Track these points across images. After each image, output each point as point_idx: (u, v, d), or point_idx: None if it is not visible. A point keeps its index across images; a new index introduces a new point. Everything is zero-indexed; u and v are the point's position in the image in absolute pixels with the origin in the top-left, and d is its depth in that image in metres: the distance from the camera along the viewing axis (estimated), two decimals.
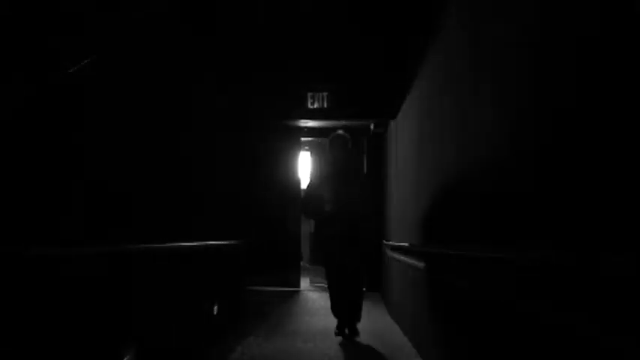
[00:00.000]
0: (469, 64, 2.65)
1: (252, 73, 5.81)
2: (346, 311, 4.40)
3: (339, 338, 4.35)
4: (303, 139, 8.02)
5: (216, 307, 4.15)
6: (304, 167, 8.30)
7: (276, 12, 5.50)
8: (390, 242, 5.91)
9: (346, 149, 4.46)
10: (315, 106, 6.27)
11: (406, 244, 4.47)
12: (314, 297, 7.04)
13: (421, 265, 3.73)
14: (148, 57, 2.70)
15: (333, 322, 4.58)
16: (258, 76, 5.92)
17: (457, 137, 2.86)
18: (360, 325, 4.81)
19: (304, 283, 7.97)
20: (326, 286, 4.68)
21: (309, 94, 6.31)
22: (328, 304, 4.61)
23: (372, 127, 7.50)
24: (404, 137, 5.22)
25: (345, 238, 4.31)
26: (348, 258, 4.34)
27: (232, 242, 4.73)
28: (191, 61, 3.68)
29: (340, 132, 4.57)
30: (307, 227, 8.26)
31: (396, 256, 5.31)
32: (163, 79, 2.96)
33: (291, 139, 7.74)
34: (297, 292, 7.46)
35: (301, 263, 8.02)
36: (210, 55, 4.24)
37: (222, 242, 4.34)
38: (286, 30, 5.71)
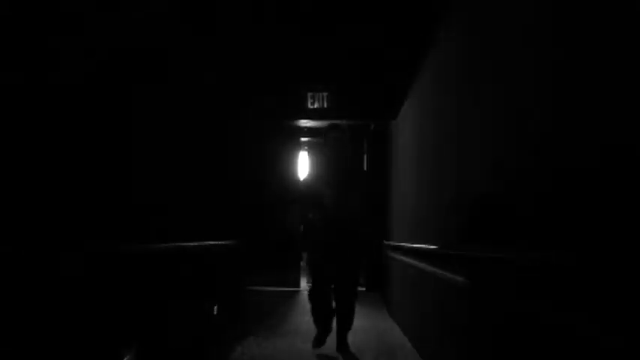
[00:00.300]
0: (469, 65, 2.65)
1: (252, 73, 5.81)
2: (330, 319, 3.96)
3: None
4: (303, 139, 8.02)
5: (216, 307, 4.14)
6: (304, 167, 8.31)
7: (277, 11, 5.50)
8: (391, 242, 5.91)
9: (344, 144, 3.93)
10: (315, 106, 6.27)
11: (407, 244, 4.47)
12: None
13: (421, 264, 3.73)
14: (147, 55, 2.70)
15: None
16: (258, 76, 5.92)
17: (458, 139, 2.86)
18: (359, 325, 4.80)
19: (303, 283, 7.97)
20: None
21: (309, 94, 6.31)
22: None
23: (372, 126, 7.49)
24: (406, 137, 5.22)
25: (343, 243, 3.83)
26: (343, 265, 3.85)
27: (232, 242, 4.72)
28: (190, 60, 3.68)
29: (337, 123, 4.09)
30: None
31: (397, 256, 5.32)
32: (163, 79, 2.96)
33: (291, 139, 7.75)
34: (297, 292, 7.46)
35: (301, 263, 8.03)
36: (210, 54, 4.24)
37: (222, 242, 4.33)
38: (286, 30, 5.71)
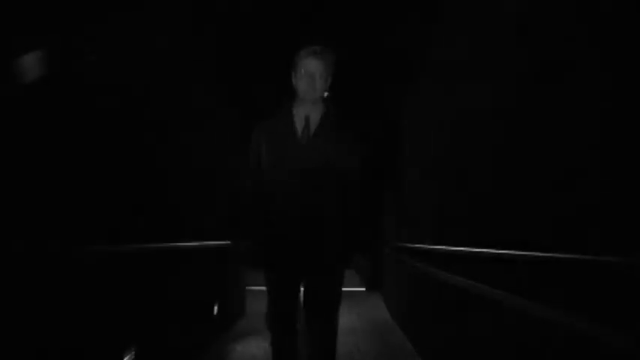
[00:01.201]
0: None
1: (251, 67, 5.76)
2: None
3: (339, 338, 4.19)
4: None
5: (216, 307, 4.13)
6: None
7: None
8: (391, 242, 5.90)
9: (324, 81, 2.28)
10: None
11: (408, 244, 4.46)
12: None
13: (421, 264, 3.72)
14: (147, 58, 2.69)
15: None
16: (258, 72, 5.89)
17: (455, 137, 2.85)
18: (360, 326, 4.78)
19: None
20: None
21: None
22: None
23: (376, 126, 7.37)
24: (416, 128, 5.20)
25: (314, 242, 2.23)
26: (315, 276, 2.29)
27: (232, 242, 4.71)
28: (190, 60, 3.67)
29: (320, 48, 2.27)
30: None
31: (396, 255, 5.30)
32: (163, 81, 2.95)
33: None
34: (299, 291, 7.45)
35: None
36: (207, 54, 4.24)
37: (223, 242, 4.33)
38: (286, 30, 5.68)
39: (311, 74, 2.24)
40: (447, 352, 2.96)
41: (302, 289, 2.34)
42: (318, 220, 2.22)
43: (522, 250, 1.77)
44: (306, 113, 2.28)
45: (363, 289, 7.44)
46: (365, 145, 2.35)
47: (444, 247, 2.99)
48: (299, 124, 2.28)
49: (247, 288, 5.76)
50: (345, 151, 2.27)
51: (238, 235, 2.58)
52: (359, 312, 5.79)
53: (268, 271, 2.29)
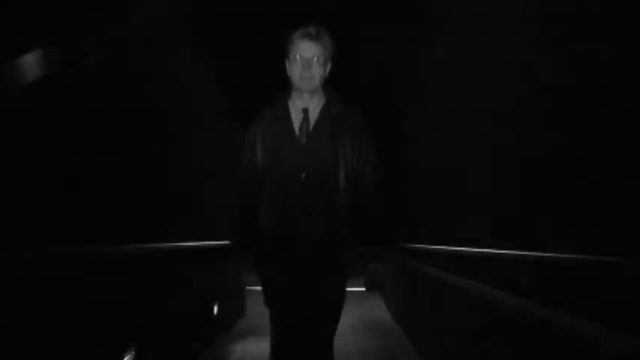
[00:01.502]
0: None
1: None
2: None
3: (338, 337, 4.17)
4: None
5: (216, 307, 4.13)
6: None
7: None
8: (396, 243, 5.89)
9: (322, 67, 1.95)
10: None
11: (407, 244, 4.46)
12: None
13: (420, 264, 3.72)
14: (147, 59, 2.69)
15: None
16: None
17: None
18: (360, 326, 4.76)
19: None
20: None
21: None
22: None
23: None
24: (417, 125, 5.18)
25: (316, 260, 1.97)
26: (319, 294, 2.01)
27: (232, 242, 4.71)
28: (190, 62, 3.67)
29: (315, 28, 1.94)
30: None
31: (396, 255, 5.30)
32: (169, 82, 2.95)
33: None
34: None
35: None
36: (205, 55, 4.24)
37: (222, 242, 4.32)
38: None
39: (306, 60, 1.90)
40: (447, 352, 2.96)
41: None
42: (318, 223, 1.94)
43: (523, 250, 1.77)
44: (304, 105, 1.98)
45: (363, 288, 7.44)
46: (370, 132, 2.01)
47: (444, 247, 2.99)
48: (296, 119, 1.98)
49: (247, 288, 5.75)
50: (350, 148, 1.96)
51: (233, 238, 2.38)
52: (359, 312, 5.79)
53: (263, 275, 2.04)
